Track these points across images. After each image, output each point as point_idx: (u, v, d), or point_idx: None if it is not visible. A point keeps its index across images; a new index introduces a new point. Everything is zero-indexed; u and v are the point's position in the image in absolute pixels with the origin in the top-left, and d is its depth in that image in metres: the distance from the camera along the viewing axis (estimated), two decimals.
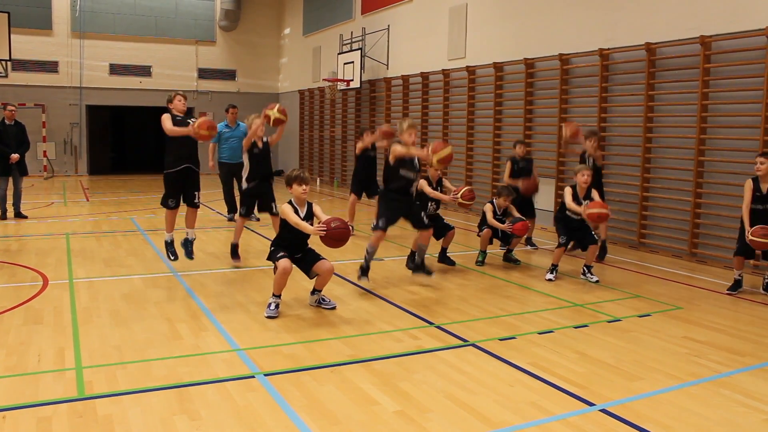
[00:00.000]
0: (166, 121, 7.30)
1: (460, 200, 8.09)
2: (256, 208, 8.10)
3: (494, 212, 8.46)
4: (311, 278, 6.25)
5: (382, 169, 7.36)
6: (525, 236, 9.00)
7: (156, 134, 27.61)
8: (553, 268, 7.72)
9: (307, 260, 6.13)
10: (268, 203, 8.04)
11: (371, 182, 10.62)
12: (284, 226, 6.05)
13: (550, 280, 7.63)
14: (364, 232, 10.79)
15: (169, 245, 7.62)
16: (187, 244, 7.77)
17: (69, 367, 4.65)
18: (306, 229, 5.86)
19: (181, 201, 7.65)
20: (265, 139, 8.02)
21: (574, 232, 7.75)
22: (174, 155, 7.44)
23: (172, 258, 7.60)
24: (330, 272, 6.14)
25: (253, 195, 7.97)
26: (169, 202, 7.55)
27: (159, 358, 4.85)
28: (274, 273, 5.99)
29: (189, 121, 7.42)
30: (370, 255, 6.94)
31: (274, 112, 7.43)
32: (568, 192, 7.68)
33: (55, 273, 7.58)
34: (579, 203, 7.57)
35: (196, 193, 7.66)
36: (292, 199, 6.07)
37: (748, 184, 7.05)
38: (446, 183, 8.47)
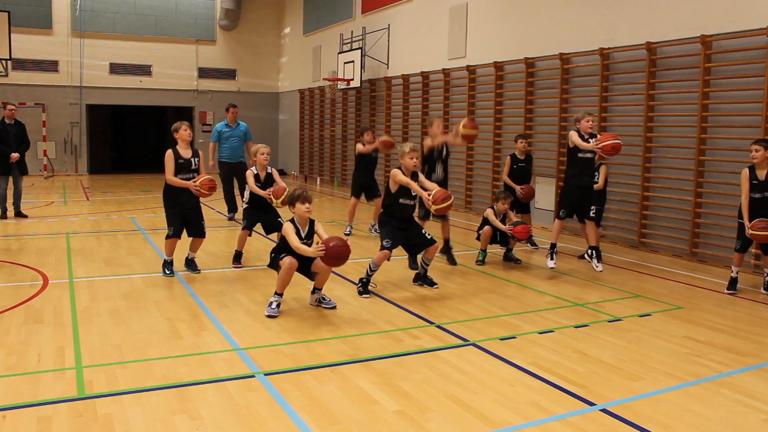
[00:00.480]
0: (169, 164, 7.26)
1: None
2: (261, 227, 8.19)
3: (495, 216, 8.46)
4: (312, 279, 6.26)
5: (382, 172, 7.29)
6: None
7: (156, 134, 27.71)
8: (552, 250, 7.66)
9: (306, 263, 6.14)
10: (274, 222, 7.97)
11: (371, 184, 10.60)
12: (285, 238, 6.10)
13: (552, 267, 7.66)
14: (363, 231, 10.80)
15: (167, 264, 7.53)
16: (191, 264, 7.77)
17: (69, 366, 4.64)
18: (306, 252, 5.87)
19: (187, 231, 7.58)
20: (269, 170, 7.97)
21: (575, 204, 7.65)
22: (176, 194, 7.40)
23: (168, 272, 7.50)
24: (328, 270, 6.17)
25: (254, 213, 7.97)
26: (168, 232, 7.44)
27: (159, 358, 4.84)
28: (278, 272, 6.02)
29: (192, 160, 7.39)
30: (372, 271, 6.90)
31: (277, 202, 7.54)
32: (573, 133, 7.48)
33: (55, 272, 7.57)
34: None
35: (202, 223, 7.63)
36: (295, 218, 6.09)
37: (745, 174, 7.04)
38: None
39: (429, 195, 6.61)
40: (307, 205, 6.03)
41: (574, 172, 7.64)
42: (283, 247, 6.09)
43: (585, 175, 7.62)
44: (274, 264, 6.12)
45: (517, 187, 9.17)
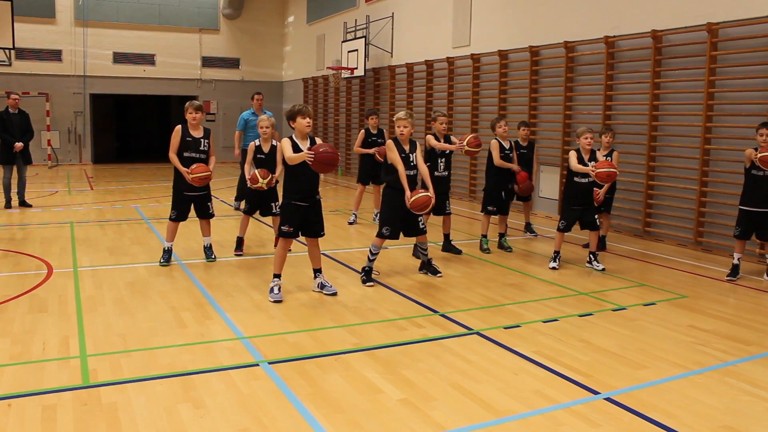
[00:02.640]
0: (174, 139, 7.24)
1: (467, 147, 8.06)
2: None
3: (501, 147, 8.53)
4: (305, 236, 6.35)
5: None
6: (525, 188, 8.92)
7: (160, 123, 27.68)
8: (556, 256, 7.69)
9: (310, 223, 6.21)
10: (268, 204, 8.00)
11: (376, 170, 10.59)
12: (288, 174, 6.10)
13: (553, 268, 7.61)
14: (367, 220, 10.79)
15: (166, 252, 7.53)
16: (207, 251, 7.80)
17: (74, 355, 4.65)
18: (297, 158, 5.87)
19: (194, 213, 7.65)
20: (274, 143, 7.92)
21: (577, 213, 7.66)
22: (183, 180, 7.38)
23: (164, 261, 7.48)
24: (315, 243, 6.34)
25: (256, 194, 7.95)
26: (171, 215, 7.51)
27: (163, 347, 4.85)
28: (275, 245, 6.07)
29: (202, 140, 7.34)
30: (373, 255, 6.89)
31: (262, 183, 7.57)
32: (572, 155, 7.58)
33: (60, 261, 7.58)
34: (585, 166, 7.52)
35: (209, 204, 7.65)
36: (293, 135, 6.10)
37: (749, 153, 7.12)
38: (453, 139, 8.20)
39: (409, 198, 6.64)
40: (307, 119, 6.05)
41: (571, 194, 7.72)
42: (290, 187, 6.12)
43: (579, 199, 7.67)
44: (282, 216, 6.21)
45: (515, 166, 8.96)
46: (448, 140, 8.11)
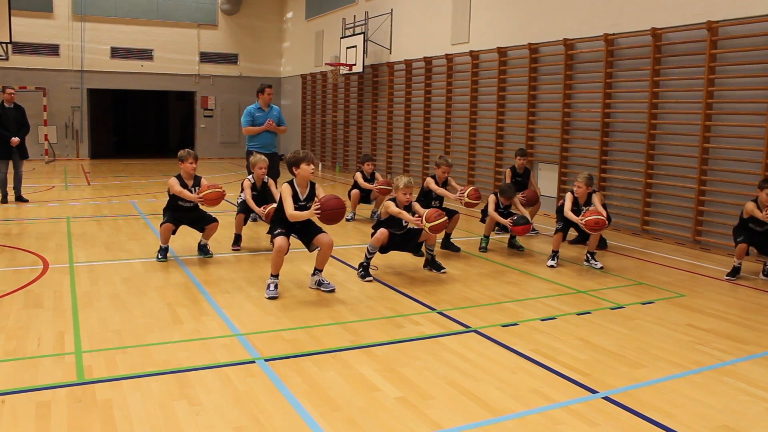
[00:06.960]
0: (174, 186, 7.41)
1: (467, 199, 8.03)
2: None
3: (497, 204, 8.41)
4: (311, 251, 6.30)
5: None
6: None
7: (157, 119, 27.62)
8: (554, 255, 7.69)
9: (307, 233, 6.16)
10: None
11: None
12: (280, 210, 6.10)
13: (551, 266, 7.59)
14: (365, 216, 10.76)
15: (161, 250, 7.53)
16: (203, 249, 7.81)
17: (69, 351, 4.62)
18: (303, 216, 5.93)
19: (199, 229, 7.78)
20: (266, 179, 8.19)
21: (572, 222, 7.76)
22: (176, 210, 7.58)
23: (160, 257, 7.47)
24: (330, 246, 6.19)
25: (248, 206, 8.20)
26: (163, 219, 7.53)
27: (159, 343, 4.82)
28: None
29: (194, 189, 7.49)
30: (370, 254, 6.88)
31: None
32: (568, 198, 7.75)
33: (56, 257, 7.55)
34: (579, 210, 7.68)
35: (209, 214, 7.70)
36: (294, 180, 6.11)
37: (751, 206, 7.05)
38: (452, 182, 8.33)
39: (420, 218, 6.64)
40: (312, 166, 6.09)
41: (561, 223, 7.99)
42: (281, 217, 6.09)
43: (569, 228, 8.04)
44: (272, 230, 6.16)
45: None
46: (446, 184, 8.25)
